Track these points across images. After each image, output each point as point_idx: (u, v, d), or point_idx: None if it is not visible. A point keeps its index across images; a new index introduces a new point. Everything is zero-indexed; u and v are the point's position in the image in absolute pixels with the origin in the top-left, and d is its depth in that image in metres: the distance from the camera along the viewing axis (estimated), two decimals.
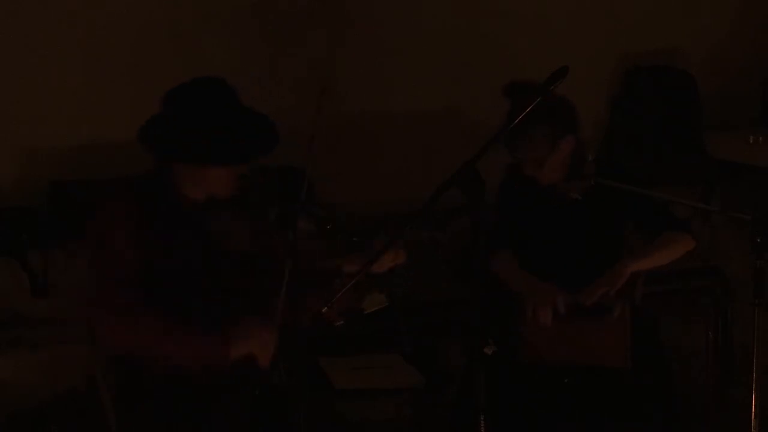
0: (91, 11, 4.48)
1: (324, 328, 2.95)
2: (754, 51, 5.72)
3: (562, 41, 5.16)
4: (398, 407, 4.05)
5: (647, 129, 5.36)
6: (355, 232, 2.84)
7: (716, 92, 5.56)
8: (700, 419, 4.11)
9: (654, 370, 3.42)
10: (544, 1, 5.28)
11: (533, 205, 3.52)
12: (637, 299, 3.55)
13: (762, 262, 2.84)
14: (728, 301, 4.38)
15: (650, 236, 3.48)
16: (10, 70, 4.36)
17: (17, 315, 4.19)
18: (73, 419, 3.75)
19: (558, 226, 3.50)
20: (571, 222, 3.48)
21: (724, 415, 4.21)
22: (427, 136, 5.02)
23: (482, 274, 2.71)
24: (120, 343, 2.78)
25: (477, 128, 3.03)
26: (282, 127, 2.99)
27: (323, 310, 2.70)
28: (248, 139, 2.87)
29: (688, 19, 5.57)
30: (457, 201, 2.58)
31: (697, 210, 4.80)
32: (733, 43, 5.69)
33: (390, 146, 4.97)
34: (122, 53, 4.52)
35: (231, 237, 2.95)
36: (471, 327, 2.56)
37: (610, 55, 5.45)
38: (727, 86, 5.63)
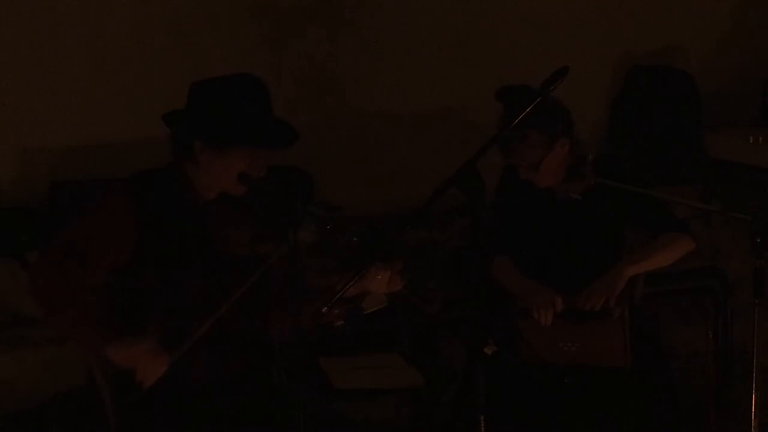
0: (91, 11, 4.48)
1: (324, 328, 2.95)
2: (754, 51, 5.72)
3: (562, 41, 5.16)
4: (398, 407, 4.05)
5: (647, 129, 5.36)
6: (355, 232, 2.83)
7: (716, 92, 5.56)
8: (700, 419, 4.11)
9: (654, 370, 3.42)
10: (544, 1, 5.28)
11: (532, 205, 3.52)
12: (637, 299, 3.55)
13: (762, 262, 2.84)
14: (728, 301, 4.38)
15: (650, 237, 3.48)
16: (10, 70, 4.36)
17: (17, 315, 4.19)
18: (73, 419, 3.75)
19: (558, 226, 3.50)
20: (571, 222, 3.49)
21: (724, 415, 4.21)
22: (427, 136, 5.02)
23: (482, 274, 2.71)
24: (35, 291, 2.79)
25: (477, 128, 3.03)
26: None
27: (323, 310, 2.70)
28: (275, 127, 2.88)
29: (688, 19, 5.57)
30: (457, 201, 2.58)
31: (697, 210, 4.80)
32: (733, 43, 5.69)
33: (390, 146, 4.97)
34: (122, 53, 4.51)
35: (233, 239, 2.95)
36: (471, 327, 2.56)
37: (610, 55, 5.45)
38: (727, 86, 5.63)
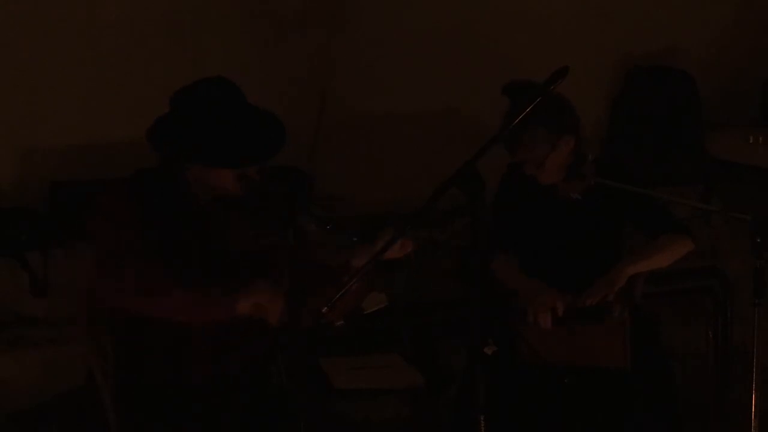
0: (91, 11, 4.48)
1: (324, 328, 2.95)
2: (754, 51, 5.72)
3: (562, 41, 5.16)
4: (398, 407, 4.05)
5: (647, 129, 5.37)
6: (355, 232, 2.83)
7: (716, 92, 5.56)
8: (700, 419, 4.11)
9: (654, 370, 3.42)
10: (544, 1, 5.28)
11: (533, 204, 3.52)
12: (637, 299, 3.55)
13: (762, 262, 2.84)
14: (728, 301, 4.38)
15: (650, 237, 3.48)
16: (10, 70, 4.36)
17: (17, 315, 4.19)
18: (74, 419, 3.75)
19: (558, 226, 3.50)
20: (571, 222, 3.48)
21: (724, 415, 4.21)
22: (427, 136, 5.02)
23: (482, 274, 2.70)
24: (126, 295, 2.74)
25: (477, 128, 3.03)
26: None
27: (324, 310, 2.70)
28: (258, 140, 2.86)
29: (688, 19, 5.57)
30: (457, 201, 2.58)
31: (697, 210, 4.80)
32: (733, 43, 5.69)
33: (390, 146, 4.98)
34: (122, 53, 4.52)
35: (233, 238, 2.95)
36: (471, 327, 2.56)
37: (610, 55, 5.45)
38: (727, 86, 5.63)
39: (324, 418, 3.09)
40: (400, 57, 4.96)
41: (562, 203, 3.45)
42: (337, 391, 3.60)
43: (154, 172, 2.92)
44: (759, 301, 2.86)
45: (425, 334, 4.03)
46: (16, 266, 4.18)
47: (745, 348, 3.02)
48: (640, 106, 5.39)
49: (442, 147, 4.72)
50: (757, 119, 5.66)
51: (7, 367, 3.98)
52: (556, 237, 3.50)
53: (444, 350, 4.12)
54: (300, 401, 2.63)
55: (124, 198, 2.84)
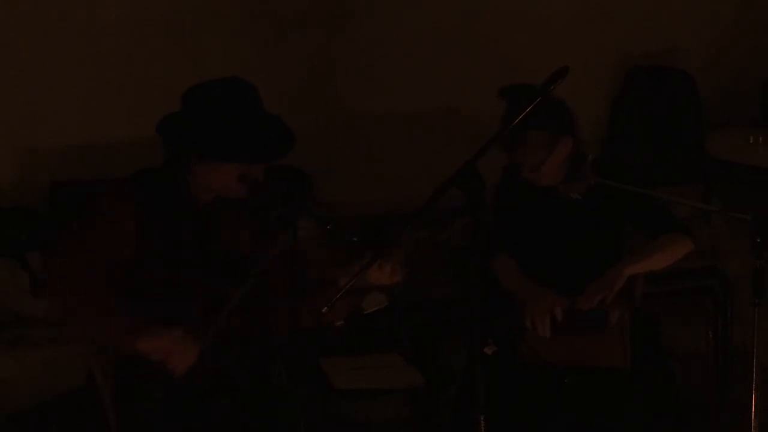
0: (91, 11, 4.48)
1: (324, 328, 2.95)
2: (754, 51, 5.72)
3: (562, 41, 5.16)
4: (398, 407, 4.05)
5: (647, 129, 5.37)
6: (355, 232, 2.83)
7: (716, 92, 5.56)
8: (700, 419, 4.11)
9: (654, 370, 3.42)
10: (544, 1, 5.28)
11: (532, 204, 3.52)
12: (637, 300, 3.55)
13: (762, 262, 2.84)
14: (728, 301, 4.38)
15: (650, 237, 3.48)
16: (10, 70, 4.36)
17: (17, 315, 4.19)
18: (74, 419, 3.75)
19: (558, 226, 3.50)
20: (571, 222, 3.48)
21: (724, 415, 4.21)
22: (427, 136, 5.02)
23: (482, 274, 2.71)
24: (53, 294, 2.79)
25: (477, 128, 3.03)
26: None
27: (323, 311, 2.70)
28: (264, 139, 2.86)
29: (688, 19, 5.57)
30: (457, 201, 2.58)
31: (697, 210, 4.80)
32: (733, 43, 5.69)
33: (390, 146, 4.98)
34: (122, 53, 4.52)
35: (233, 239, 2.95)
36: (471, 327, 2.56)
37: (610, 55, 5.45)
38: (727, 86, 5.63)
39: (324, 418, 3.09)
40: (400, 57, 4.96)
41: (562, 203, 3.44)
42: (337, 391, 3.60)
43: (154, 172, 2.92)
44: (759, 301, 2.86)
45: (425, 334, 4.03)
46: (16, 266, 4.18)
47: (745, 348, 3.02)
48: (640, 106, 5.39)
49: (442, 147, 4.72)
50: (757, 119, 5.66)
51: (7, 367, 3.98)
52: (556, 237, 3.50)
53: (444, 350, 4.12)
54: (300, 401, 2.63)
55: (123, 198, 2.84)
